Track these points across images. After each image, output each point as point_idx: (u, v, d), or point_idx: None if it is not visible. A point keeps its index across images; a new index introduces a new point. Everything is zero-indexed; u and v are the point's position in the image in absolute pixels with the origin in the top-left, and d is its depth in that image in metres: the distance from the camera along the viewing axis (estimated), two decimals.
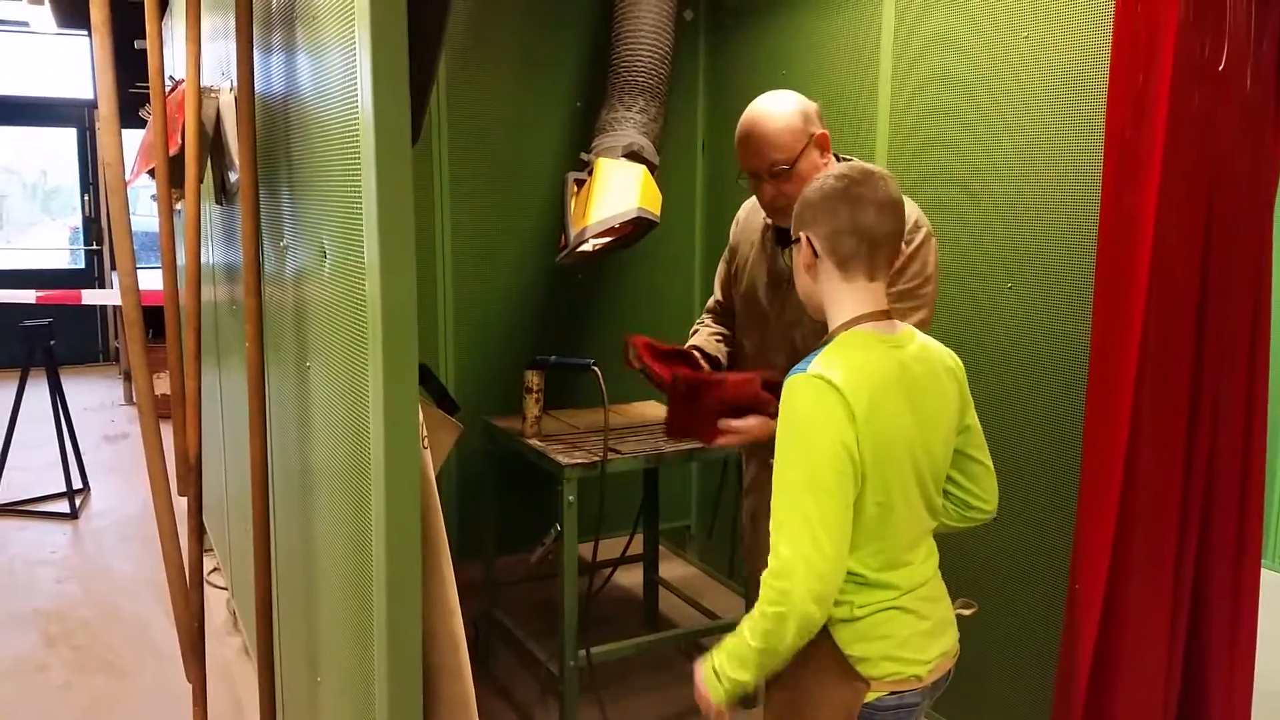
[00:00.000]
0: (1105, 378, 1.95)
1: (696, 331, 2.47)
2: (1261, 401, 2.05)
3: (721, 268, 2.46)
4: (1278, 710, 2.98)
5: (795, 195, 2.01)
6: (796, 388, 1.47)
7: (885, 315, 1.58)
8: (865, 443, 1.44)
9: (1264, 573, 2.16)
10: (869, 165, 1.63)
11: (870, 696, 1.53)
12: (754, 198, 2.31)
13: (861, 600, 1.53)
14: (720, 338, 2.42)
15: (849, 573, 1.50)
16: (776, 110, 2.06)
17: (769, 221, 2.21)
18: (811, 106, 2.10)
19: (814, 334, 2.10)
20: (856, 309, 1.56)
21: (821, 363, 1.47)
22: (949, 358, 1.64)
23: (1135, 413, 1.90)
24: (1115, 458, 1.92)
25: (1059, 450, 2.33)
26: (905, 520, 1.54)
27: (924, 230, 2.00)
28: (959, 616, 1.69)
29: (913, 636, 1.55)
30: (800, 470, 1.44)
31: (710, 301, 2.52)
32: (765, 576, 1.43)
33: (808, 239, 1.59)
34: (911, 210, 1.96)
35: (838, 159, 2.15)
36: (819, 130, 2.08)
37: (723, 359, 2.36)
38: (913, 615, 1.55)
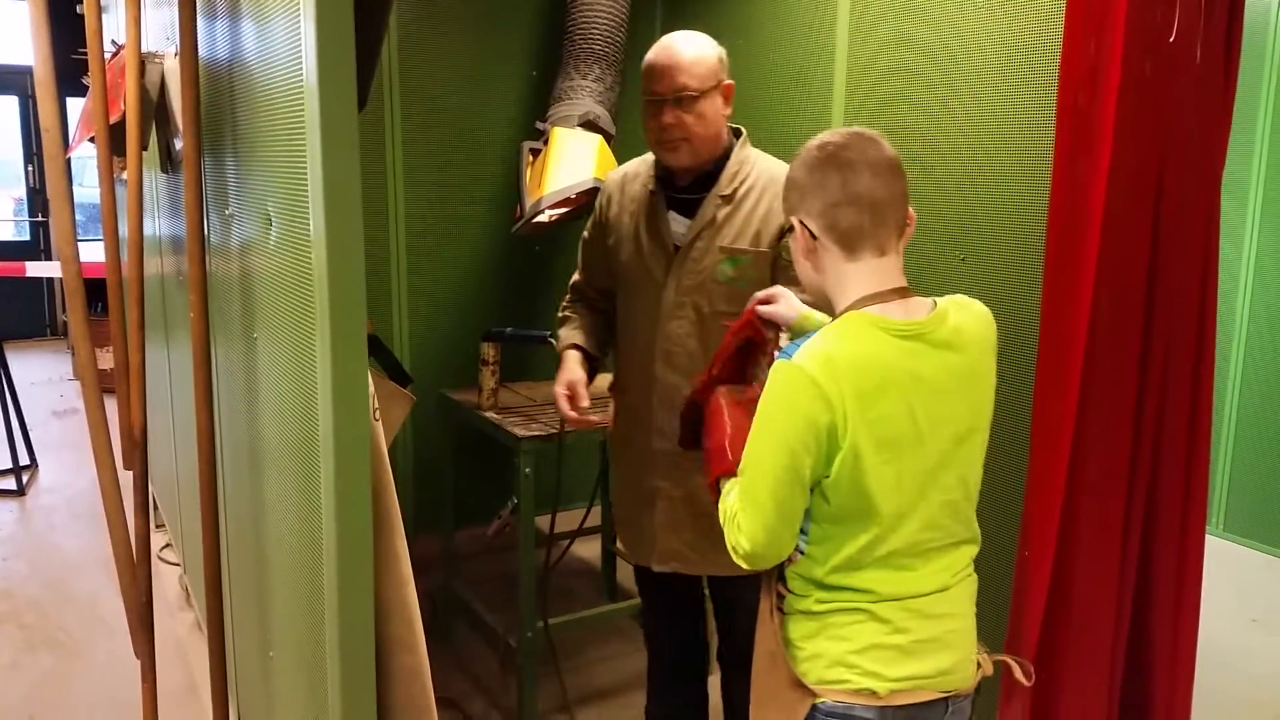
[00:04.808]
0: (1055, 347, 1.97)
1: (566, 320, 2.33)
2: (1208, 369, 2.09)
3: (590, 246, 2.34)
4: (1221, 674, 3.06)
5: (691, 132, 2.04)
6: (775, 374, 1.38)
7: (901, 293, 1.43)
8: (857, 435, 1.34)
9: (1209, 539, 2.20)
10: (854, 128, 1.47)
11: (818, 699, 1.45)
12: (623, 170, 2.26)
13: (822, 595, 1.45)
14: (594, 336, 2.30)
15: (808, 575, 1.46)
16: (695, 42, 2.06)
17: (652, 190, 2.16)
18: (727, 59, 2.09)
19: (721, 297, 2.07)
20: (863, 289, 1.42)
21: (806, 349, 1.36)
22: (987, 327, 1.50)
23: (1084, 381, 1.92)
24: (1064, 425, 1.94)
25: (1010, 419, 2.36)
26: (915, 524, 1.42)
27: None
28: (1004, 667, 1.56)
29: (875, 648, 1.42)
30: (752, 448, 1.42)
31: (577, 280, 2.40)
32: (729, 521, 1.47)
33: (800, 222, 1.44)
34: None
35: (734, 132, 2.14)
36: (728, 81, 2.07)
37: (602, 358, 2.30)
38: (884, 625, 1.43)
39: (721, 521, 1.50)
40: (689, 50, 2.03)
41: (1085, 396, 1.93)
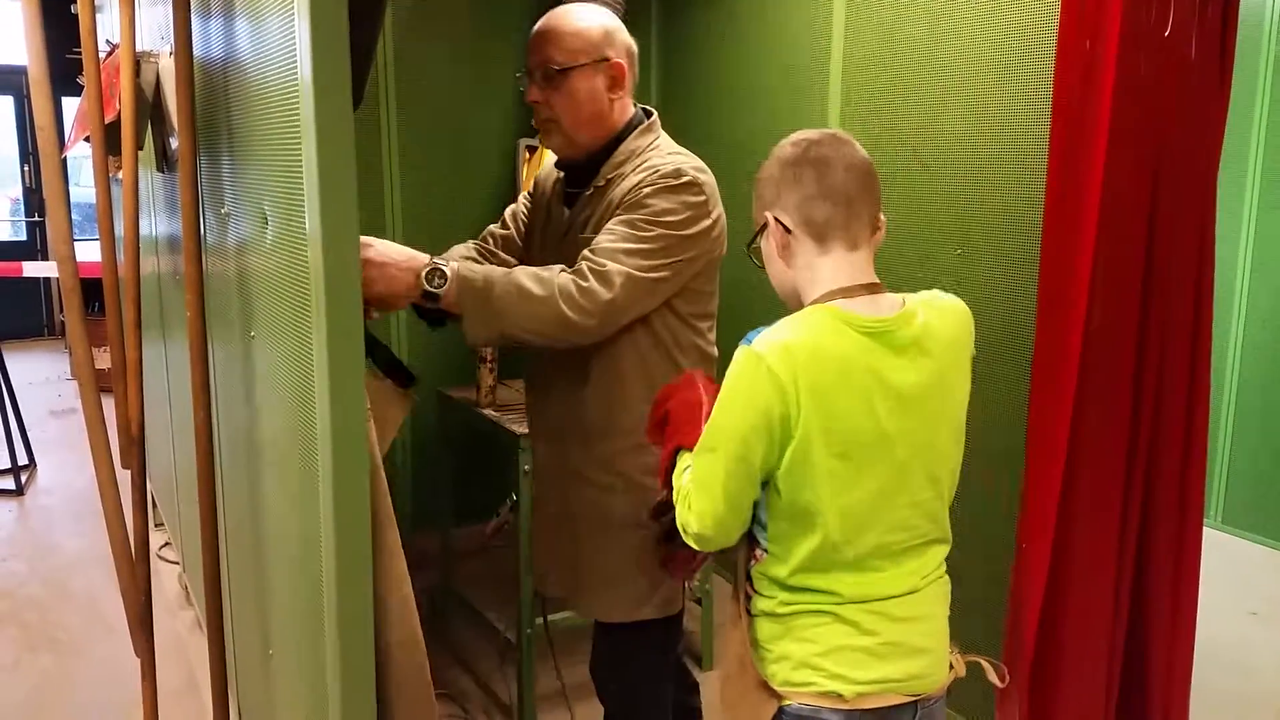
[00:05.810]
0: (1052, 341, 1.97)
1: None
2: (1204, 362, 2.09)
3: (516, 210, 2.17)
4: (1219, 668, 3.07)
5: (558, 113, 1.83)
6: (736, 359, 1.38)
7: (870, 289, 1.42)
8: (809, 427, 1.33)
9: (1207, 531, 2.20)
10: (827, 129, 1.48)
11: (784, 701, 1.44)
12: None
13: (786, 597, 1.44)
14: (480, 256, 2.12)
15: (772, 576, 1.45)
16: (579, 15, 1.83)
17: (561, 175, 2.00)
18: (624, 37, 1.86)
19: None
20: (832, 283, 1.41)
21: (767, 336, 1.36)
22: (960, 323, 1.47)
23: (1081, 375, 1.93)
24: (1062, 419, 1.94)
25: (1007, 413, 2.36)
26: (882, 526, 1.40)
27: (689, 179, 1.77)
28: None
29: (843, 650, 1.41)
30: (710, 431, 1.42)
31: (494, 228, 2.19)
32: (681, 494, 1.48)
33: (775, 219, 1.44)
34: (689, 161, 1.81)
35: (644, 112, 1.93)
36: (616, 59, 1.83)
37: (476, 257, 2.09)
38: (850, 627, 1.41)
39: (675, 499, 1.51)
40: (568, 21, 1.81)
41: (1082, 390, 1.93)
